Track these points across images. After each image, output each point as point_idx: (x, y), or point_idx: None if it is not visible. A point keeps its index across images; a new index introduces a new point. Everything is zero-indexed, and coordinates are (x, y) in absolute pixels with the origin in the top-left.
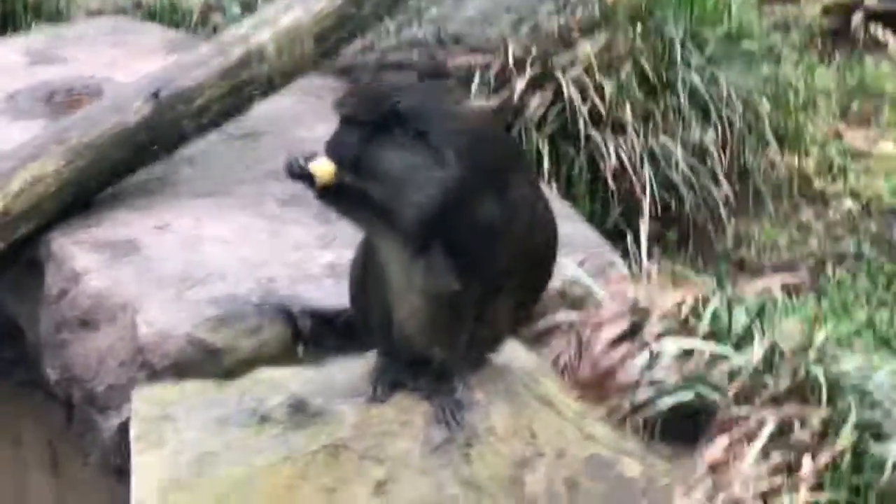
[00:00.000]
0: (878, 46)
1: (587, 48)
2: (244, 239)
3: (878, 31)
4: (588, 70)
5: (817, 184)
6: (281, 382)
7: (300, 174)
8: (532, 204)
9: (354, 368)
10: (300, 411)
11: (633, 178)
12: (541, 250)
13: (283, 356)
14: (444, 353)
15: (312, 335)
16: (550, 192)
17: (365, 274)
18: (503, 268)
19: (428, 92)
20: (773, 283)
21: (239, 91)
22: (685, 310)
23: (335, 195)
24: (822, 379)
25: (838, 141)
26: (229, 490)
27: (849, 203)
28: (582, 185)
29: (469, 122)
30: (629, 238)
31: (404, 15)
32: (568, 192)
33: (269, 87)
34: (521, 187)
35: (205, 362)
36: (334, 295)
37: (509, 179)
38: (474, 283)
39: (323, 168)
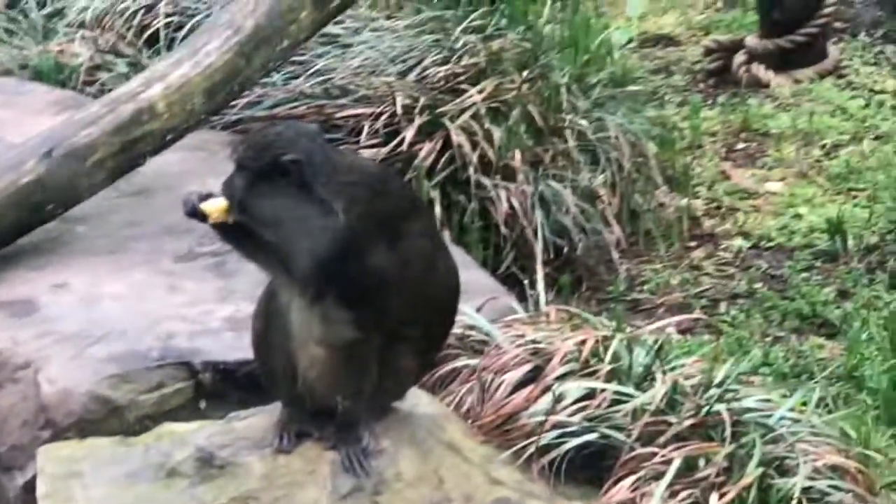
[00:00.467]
0: (760, 86)
1: (475, 96)
2: (142, 295)
3: (760, 70)
4: (476, 117)
5: (707, 224)
6: (186, 436)
7: (193, 212)
8: (429, 254)
9: (259, 420)
10: (207, 464)
11: (525, 223)
12: (441, 299)
13: (185, 411)
14: (348, 402)
15: (214, 389)
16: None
17: (267, 324)
18: (401, 317)
19: (319, 142)
20: (669, 323)
21: (131, 147)
22: (585, 351)
23: (229, 232)
24: (725, 416)
25: (726, 181)
26: None
27: (739, 242)
28: (474, 232)
29: (360, 173)
30: (524, 283)
31: (290, 68)
32: (460, 239)
33: (161, 142)
34: (416, 237)
35: (108, 419)
36: (234, 348)
37: (403, 229)
38: (372, 332)
39: (215, 206)
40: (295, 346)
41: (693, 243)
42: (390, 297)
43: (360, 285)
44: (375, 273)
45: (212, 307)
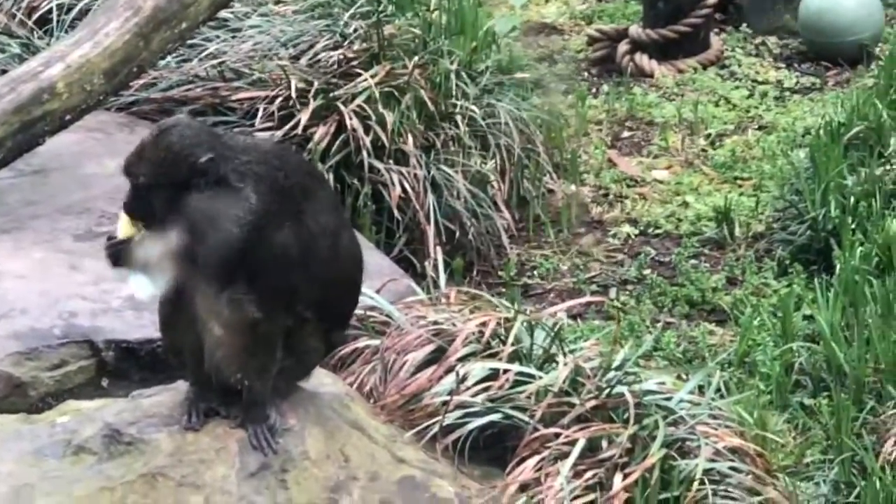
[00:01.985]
0: (644, 76)
1: (367, 80)
2: (43, 274)
3: (644, 60)
4: (369, 101)
5: (595, 211)
6: (92, 413)
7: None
8: (333, 229)
9: (166, 398)
10: (115, 441)
11: (417, 207)
12: (345, 275)
13: (88, 389)
14: (254, 381)
15: (116, 367)
16: None
17: (173, 307)
18: (306, 295)
19: (211, 131)
20: (564, 307)
21: (31, 127)
22: (487, 333)
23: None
24: (628, 397)
25: (612, 169)
26: None
27: (627, 229)
28: (367, 215)
29: (258, 152)
30: (417, 265)
31: (182, 51)
32: (354, 222)
33: (61, 122)
34: (319, 213)
35: (11, 396)
36: (136, 326)
37: (305, 205)
38: (277, 311)
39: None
40: (201, 327)
41: (581, 230)
42: (297, 274)
43: (267, 265)
44: (283, 251)
45: (113, 286)
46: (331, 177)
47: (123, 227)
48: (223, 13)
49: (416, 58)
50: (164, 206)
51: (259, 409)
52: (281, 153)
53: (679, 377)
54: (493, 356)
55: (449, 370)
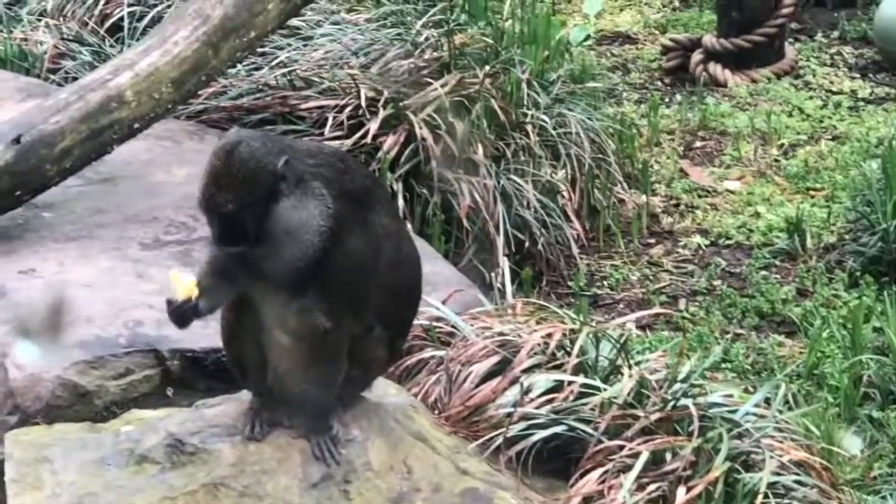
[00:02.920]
0: (717, 85)
1: (438, 89)
2: (109, 282)
3: (717, 70)
4: (439, 111)
5: (665, 221)
6: (156, 423)
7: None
8: (395, 233)
9: (229, 408)
10: (178, 451)
11: (487, 216)
12: (408, 283)
13: (152, 398)
14: (319, 391)
15: (181, 376)
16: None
17: (237, 316)
18: (373, 302)
19: (274, 137)
20: (631, 318)
21: (99, 135)
22: (552, 344)
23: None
24: (692, 410)
25: (684, 179)
26: None
27: (698, 240)
28: (436, 225)
29: (321, 156)
30: (486, 275)
31: (253, 59)
32: (423, 232)
33: (129, 131)
34: (382, 216)
35: (76, 405)
36: (201, 336)
37: (371, 210)
38: (346, 319)
39: (186, 285)
40: (266, 337)
41: (652, 240)
42: (366, 280)
43: (339, 271)
44: (354, 256)
45: None
46: (400, 186)
47: (182, 289)
48: (295, 21)
49: (487, 67)
50: (256, 225)
51: (322, 420)
52: (342, 156)
53: (746, 390)
54: (557, 368)
55: (513, 382)
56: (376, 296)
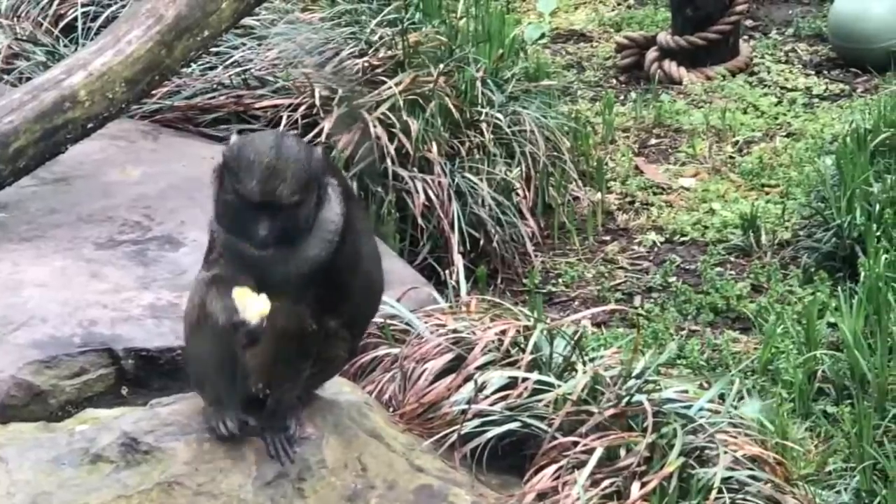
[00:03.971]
0: (672, 83)
1: (392, 88)
2: (63, 282)
3: (672, 67)
4: (394, 109)
5: (620, 218)
6: (110, 422)
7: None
8: (368, 235)
9: (183, 406)
10: (132, 449)
11: (441, 214)
12: (377, 283)
13: (107, 397)
14: (285, 390)
15: (136, 375)
16: None
17: (205, 314)
18: (349, 303)
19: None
20: (587, 315)
21: (53, 135)
22: (507, 341)
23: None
24: (646, 406)
25: (639, 176)
26: None
27: (653, 237)
28: (391, 223)
29: (321, 158)
30: (441, 273)
31: (207, 58)
32: (378, 230)
33: (83, 131)
34: (360, 220)
35: (30, 404)
36: (156, 335)
37: (352, 207)
38: (326, 320)
39: (259, 309)
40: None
41: (607, 237)
42: (354, 282)
43: (338, 272)
44: (351, 257)
45: (133, 294)
46: (355, 185)
47: (254, 309)
48: (249, 21)
49: (441, 65)
50: (297, 223)
51: (280, 418)
52: (322, 155)
53: (701, 385)
54: (511, 365)
55: (468, 379)
56: (354, 296)
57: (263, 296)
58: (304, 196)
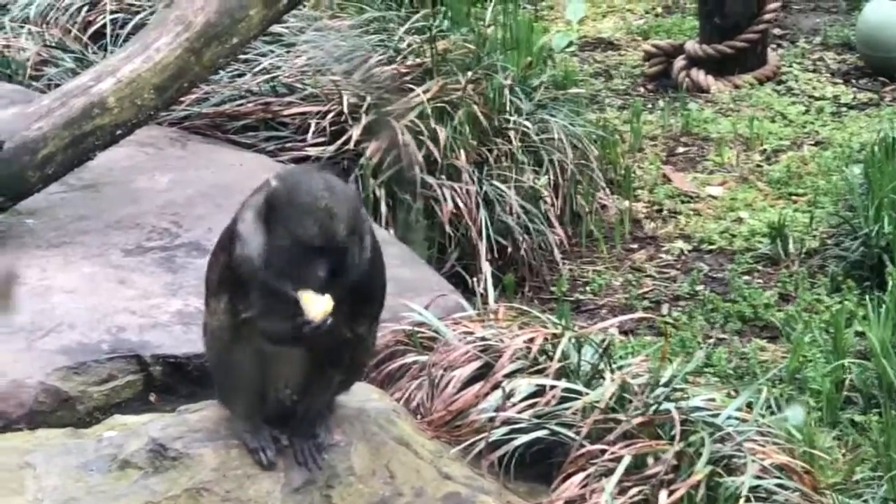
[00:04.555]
0: (700, 91)
1: (420, 95)
2: (92, 288)
3: (700, 76)
4: (422, 117)
5: (648, 227)
6: (138, 428)
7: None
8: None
9: (211, 413)
10: (160, 456)
11: (469, 222)
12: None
13: (135, 403)
14: (319, 398)
15: (164, 382)
16: (389, 237)
17: (232, 342)
18: (378, 308)
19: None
20: (614, 323)
21: (82, 141)
22: (534, 349)
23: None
24: (674, 414)
25: (667, 185)
26: None
27: (680, 245)
28: (419, 231)
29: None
30: (469, 281)
31: (235, 66)
32: (406, 238)
33: (112, 137)
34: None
35: (58, 411)
36: (184, 341)
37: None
38: (356, 328)
39: (323, 307)
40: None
41: (634, 245)
42: (383, 291)
43: (373, 288)
44: (380, 272)
45: (161, 301)
46: (382, 192)
47: (318, 309)
48: (277, 28)
49: (469, 73)
50: (352, 261)
51: (309, 425)
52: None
53: (729, 394)
54: (539, 372)
55: (495, 386)
56: (378, 302)
57: (327, 296)
58: (355, 233)
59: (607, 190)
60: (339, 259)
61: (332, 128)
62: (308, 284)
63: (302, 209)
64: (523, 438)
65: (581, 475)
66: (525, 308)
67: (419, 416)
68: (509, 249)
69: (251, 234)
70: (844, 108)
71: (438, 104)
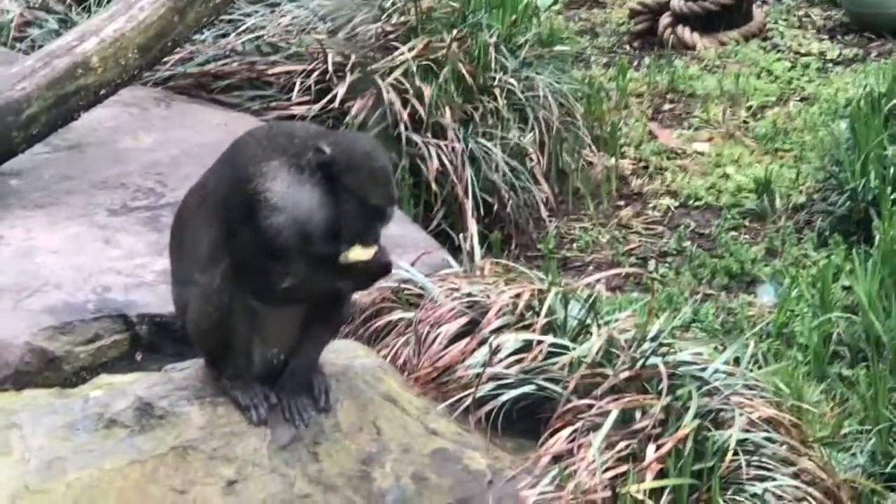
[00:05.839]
0: (685, 48)
1: (405, 53)
2: (77, 248)
3: (685, 33)
4: (407, 75)
5: (634, 183)
6: (124, 387)
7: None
8: None
9: (197, 371)
10: (147, 414)
11: (455, 180)
12: None
13: (121, 363)
14: (310, 353)
15: (150, 341)
16: None
17: (227, 304)
18: None
19: None
20: (600, 278)
21: (66, 101)
22: (521, 305)
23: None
24: (661, 368)
25: (653, 141)
26: (79, 494)
27: (667, 201)
28: (405, 189)
29: None
30: (455, 238)
31: (220, 26)
32: None
33: (96, 97)
34: None
35: (45, 371)
36: (170, 301)
37: None
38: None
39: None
40: (275, 314)
41: (621, 202)
42: None
43: None
44: None
45: (147, 260)
46: None
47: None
48: None
49: (454, 31)
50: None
51: (296, 382)
52: None
53: (716, 349)
54: (526, 328)
55: (482, 342)
56: None
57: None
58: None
59: (593, 147)
60: (390, 215)
61: (317, 86)
62: (366, 242)
63: (369, 173)
64: (510, 394)
65: (568, 430)
66: (512, 264)
67: (406, 373)
68: (495, 207)
69: (296, 201)
70: (830, 64)
71: (423, 62)
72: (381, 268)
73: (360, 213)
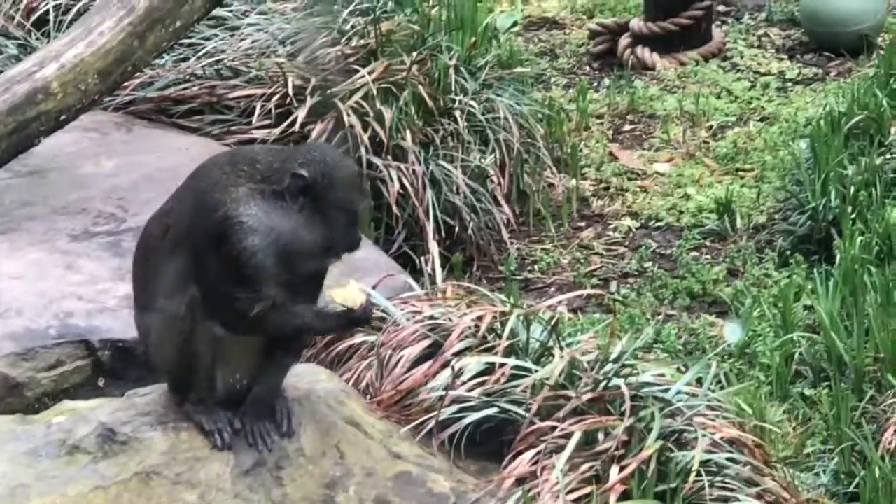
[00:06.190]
0: (645, 69)
1: (365, 77)
2: (39, 274)
3: (645, 53)
4: (367, 98)
5: (595, 205)
6: (87, 413)
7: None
8: None
9: (160, 397)
10: (109, 440)
11: (416, 202)
12: None
13: (84, 388)
14: (273, 378)
15: (113, 367)
16: None
17: (192, 331)
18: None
19: None
20: (562, 300)
21: (26, 127)
22: (483, 327)
23: None
24: (624, 390)
25: (614, 162)
26: None
27: (628, 222)
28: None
29: None
30: (417, 261)
31: (180, 50)
32: None
33: (56, 123)
34: None
35: (7, 397)
36: (132, 326)
37: None
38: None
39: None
40: (239, 349)
41: (582, 223)
42: None
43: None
44: None
45: (109, 286)
46: None
47: (356, 298)
48: (221, 12)
49: (414, 54)
50: None
51: (259, 407)
52: None
53: (679, 369)
54: (488, 350)
55: (444, 365)
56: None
57: (350, 281)
58: None
59: (554, 168)
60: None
61: (278, 110)
62: (350, 249)
63: (347, 183)
64: (473, 416)
65: (532, 452)
66: (474, 287)
67: (369, 397)
68: (457, 229)
69: (274, 223)
70: (790, 84)
71: (384, 85)
72: (364, 318)
73: (347, 222)
